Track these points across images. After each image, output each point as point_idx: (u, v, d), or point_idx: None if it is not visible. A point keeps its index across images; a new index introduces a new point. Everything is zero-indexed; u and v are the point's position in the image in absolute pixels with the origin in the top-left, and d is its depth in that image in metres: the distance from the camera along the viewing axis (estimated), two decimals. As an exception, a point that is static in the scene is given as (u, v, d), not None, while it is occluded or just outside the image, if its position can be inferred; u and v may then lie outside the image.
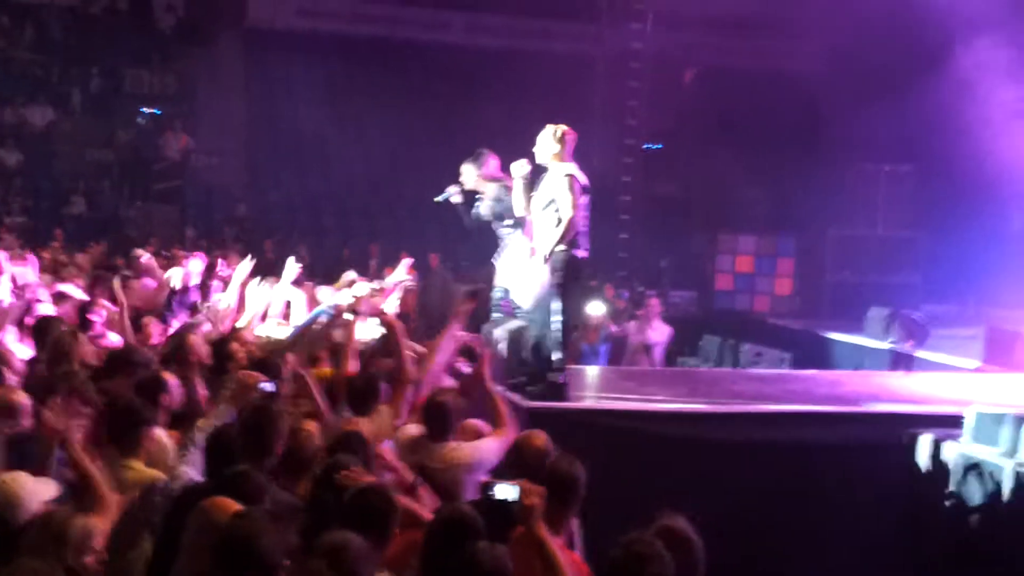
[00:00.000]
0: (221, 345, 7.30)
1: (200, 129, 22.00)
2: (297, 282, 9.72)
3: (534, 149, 8.29)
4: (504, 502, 4.49)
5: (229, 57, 22.21)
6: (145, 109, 22.23)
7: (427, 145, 21.77)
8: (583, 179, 8.18)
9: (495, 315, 9.48)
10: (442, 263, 16.24)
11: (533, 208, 8.29)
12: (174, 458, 5.61)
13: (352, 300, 8.73)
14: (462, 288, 14.05)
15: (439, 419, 6.19)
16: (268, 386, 6.45)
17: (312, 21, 22.76)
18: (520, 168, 8.41)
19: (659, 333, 13.64)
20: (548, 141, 8.25)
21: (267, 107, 21.72)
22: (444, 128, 21.57)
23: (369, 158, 22.33)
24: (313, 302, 9.36)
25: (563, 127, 8.28)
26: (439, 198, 9.39)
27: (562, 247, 8.10)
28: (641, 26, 20.68)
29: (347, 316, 7.88)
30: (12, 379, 6.66)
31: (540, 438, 5.66)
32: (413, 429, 6.32)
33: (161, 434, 5.87)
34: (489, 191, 9.16)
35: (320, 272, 16.50)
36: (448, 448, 6.06)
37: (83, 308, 8.69)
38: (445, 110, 21.71)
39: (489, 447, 6.08)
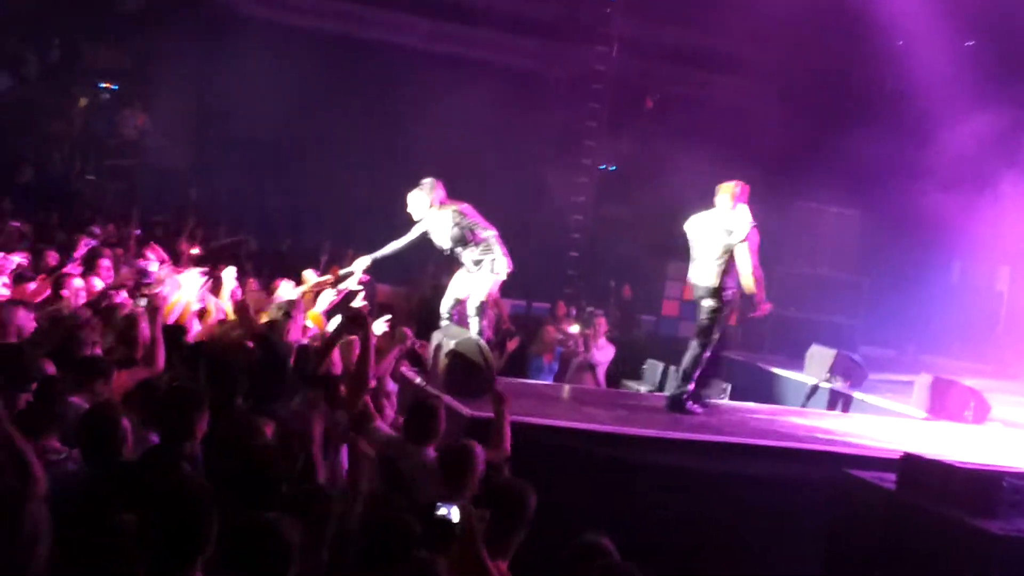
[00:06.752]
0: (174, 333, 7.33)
1: (153, 110, 21.74)
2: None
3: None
4: (445, 521, 4.46)
5: (187, 39, 21.83)
6: (102, 85, 21.96)
7: (380, 147, 21.71)
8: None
9: (443, 323, 9.57)
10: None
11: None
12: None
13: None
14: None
15: (424, 421, 5.98)
16: None
17: (273, 11, 22.57)
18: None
19: (604, 353, 13.75)
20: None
21: (221, 93, 21.46)
22: (398, 132, 21.52)
23: (321, 154, 22.21)
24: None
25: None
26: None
27: None
28: (606, 49, 20.83)
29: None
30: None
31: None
32: (384, 429, 6.16)
33: None
34: (443, 220, 9.31)
35: (268, 264, 16.46)
36: (429, 454, 5.87)
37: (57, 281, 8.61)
38: (401, 114, 21.59)
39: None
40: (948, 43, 16.88)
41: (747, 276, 9.28)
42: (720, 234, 9.35)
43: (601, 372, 13.58)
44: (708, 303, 9.44)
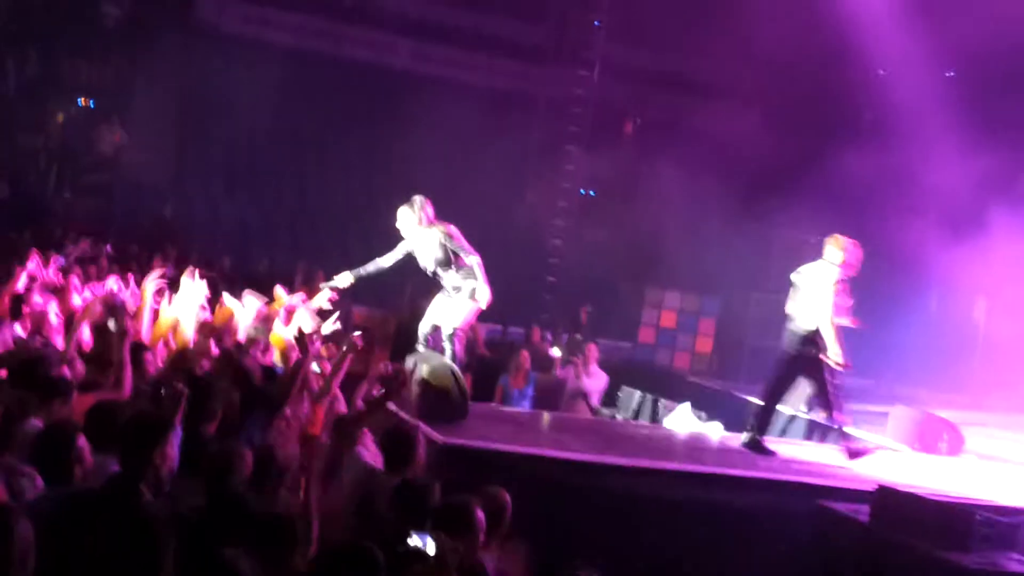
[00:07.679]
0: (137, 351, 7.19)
1: (132, 126, 21.61)
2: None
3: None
4: (418, 551, 4.35)
5: (169, 56, 21.75)
6: (80, 100, 21.85)
7: (360, 167, 21.64)
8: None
9: (420, 348, 9.46)
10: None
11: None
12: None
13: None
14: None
15: (402, 449, 5.79)
16: None
17: (257, 30, 22.54)
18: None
19: (596, 381, 13.48)
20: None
21: (202, 110, 21.36)
22: (379, 152, 21.46)
23: (300, 173, 22.12)
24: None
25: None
26: None
27: None
28: (588, 73, 20.83)
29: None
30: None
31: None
32: (365, 456, 6.00)
33: None
34: (430, 239, 9.20)
35: (241, 283, 16.29)
36: None
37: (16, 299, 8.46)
38: (382, 135, 21.56)
39: None
40: (928, 73, 16.94)
41: (825, 323, 9.43)
42: (814, 282, 9.53)
43: (595, 400, 13.36)
44: (807, 349, 9.53)
